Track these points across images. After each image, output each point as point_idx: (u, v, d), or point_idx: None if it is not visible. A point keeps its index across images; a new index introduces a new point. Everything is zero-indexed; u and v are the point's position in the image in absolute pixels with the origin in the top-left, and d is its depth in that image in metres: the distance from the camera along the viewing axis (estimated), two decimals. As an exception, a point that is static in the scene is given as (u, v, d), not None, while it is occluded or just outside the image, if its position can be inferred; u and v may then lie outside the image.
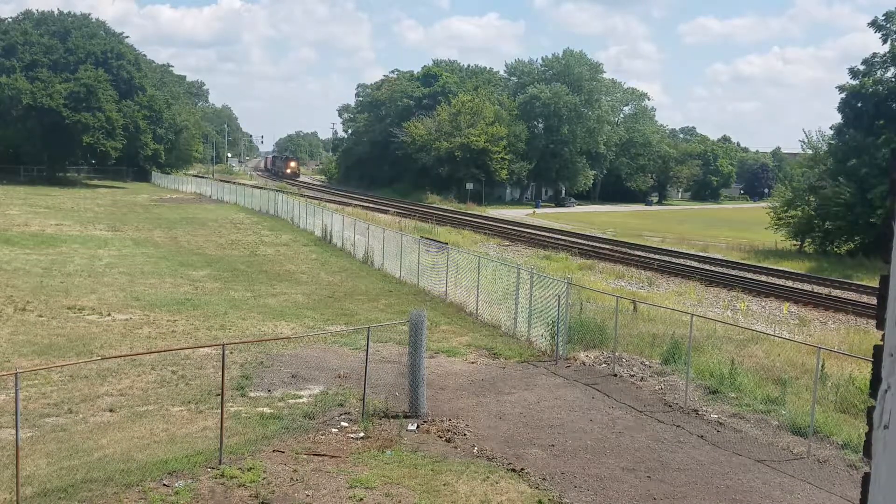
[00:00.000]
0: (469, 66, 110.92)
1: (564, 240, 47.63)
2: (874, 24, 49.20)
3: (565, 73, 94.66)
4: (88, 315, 20.40)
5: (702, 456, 12.46)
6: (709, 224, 74.15)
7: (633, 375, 16.88)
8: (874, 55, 49.92)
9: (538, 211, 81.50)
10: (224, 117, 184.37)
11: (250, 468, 10.99)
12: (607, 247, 45.54)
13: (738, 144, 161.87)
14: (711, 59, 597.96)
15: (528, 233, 51.52)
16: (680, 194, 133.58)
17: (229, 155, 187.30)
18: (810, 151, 54.46)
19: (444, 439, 12.67)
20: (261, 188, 75.24)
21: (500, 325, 21.14)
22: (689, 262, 40.34)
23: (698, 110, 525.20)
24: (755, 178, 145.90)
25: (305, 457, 11.61)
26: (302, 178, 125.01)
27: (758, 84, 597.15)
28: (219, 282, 26.68)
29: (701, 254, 44.91)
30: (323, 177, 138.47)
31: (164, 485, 10.41)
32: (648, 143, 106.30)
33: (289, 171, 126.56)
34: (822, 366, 14.71)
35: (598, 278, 33.22)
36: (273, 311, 22.19)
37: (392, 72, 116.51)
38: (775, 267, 40.45)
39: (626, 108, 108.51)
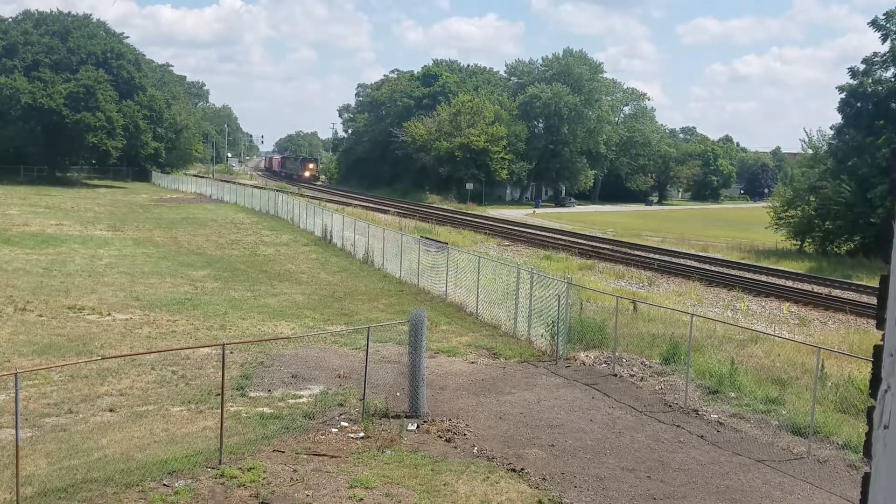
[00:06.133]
0: (469, 66, 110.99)
1: (564, 240, 47.62)
2: (874, 24, 49.18)
3: (565, 73, 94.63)
4: (88, 315, 20.40)
5: (702, 456, 12.46)
6: (709, 224, 74.16)
7: (633, 375, 16.88)
8: (874, 55, 49.91)
9: (538, 211, 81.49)
10: (224, 117, 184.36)
11: (250, 468, 10.99)
12: (607, 247, 45.52)
13: (738, 144, 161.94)
14: (710, 60, 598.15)
15: (528, 233, 51.52)
16: (680, 194, 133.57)
17: (229, 155, 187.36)
18: (810, 151, 54.45)
19: (444, 439, 12.66)
20: (261, 188, 75.27)
21: (500, 325, 21.14)
22: (689, 262, 40.33)
23: (698, 110, 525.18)
24: (755, 178, 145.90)
25: (305, 457, 11.61)
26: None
27: (757, 84, 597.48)
28: (219, 282, 26.68)
29: (701, 254, 44.90)
30: (323, 177, 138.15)
31: (164, 485, 10.41)
32: (648, 143, 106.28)
33: (307, 174, 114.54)
34: (822, 366, 14.71)
35: (598, 278, 33.22)
36: (273, 311, 22.19)
37: (392, 72, 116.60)
38: (775, 267, 40.45)
39: (626, 108, 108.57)
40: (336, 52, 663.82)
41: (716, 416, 14.46)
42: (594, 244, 46.58)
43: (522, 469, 11.52)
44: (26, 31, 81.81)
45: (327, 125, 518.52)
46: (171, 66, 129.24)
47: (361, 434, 12.66)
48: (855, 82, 49.80)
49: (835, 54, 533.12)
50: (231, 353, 15.38)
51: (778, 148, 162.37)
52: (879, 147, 45.48)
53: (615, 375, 16.84)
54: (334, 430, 12.85)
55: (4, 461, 10.77)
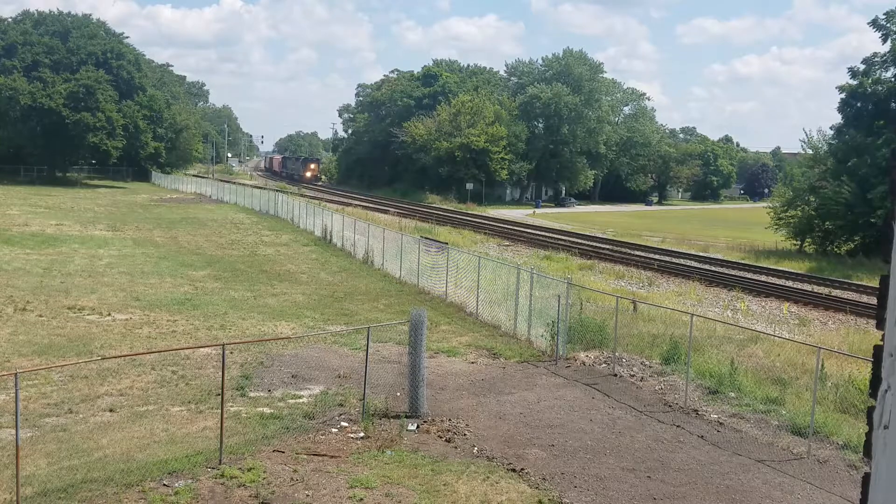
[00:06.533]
0: (469, 66, 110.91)
1: (564, 240, 47.63)
2: (874, 24, 49.15)
3: (565, 73, 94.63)
4: (88, 315, 20.40)
5: (702, 456, 12.46)
6: (709, 224, 74.16)
7: (633, 375, 16.88)
8: (874, 55, 49.89)
9: (538, 211, 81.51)
10: (224, 117, 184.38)
11: (250, 468, 10.99)
12: (607, 247, 45.54)
13: (738, 144, 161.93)
14: (710, 60, 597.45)
15: (528, 233, 51.53)
16: (680, 194, 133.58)
17: (229, 155, 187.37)
18: (810, 151, 54.47)
19: (444, 439, 12.67)
20: (261, 188, 75.29)
21: (500, 325, 21.14)
22: (689, 262, 40.34)
23: (697, 110, 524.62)
24: (755, 178, 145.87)
25: (305, 457, 11.61)
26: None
27: (756, 84, 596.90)
28: (219, 282, 26.69)
29: (701, 254, 44.91)
30: (324, 177, 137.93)
31: (164, 485, 10.41)
32: (648, 143, 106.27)
33: (309, 174, 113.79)
34: (822, 366, 14.71)
35: (598, 278, 33.23)
36: (273, 311, 22.19)
37: (392, 72, 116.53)
38: (775, 267, 40.45)
39: (625, 108, 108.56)
40: (336, 52, 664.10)
41: (716, 416, 14.46)
42: (594, 244, 46.59)
43: (522, 469, 11.52)
44: (25, 31, 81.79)
45: (327, 125, 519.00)
46: (171, 66, 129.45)
47: (361, 434, 12.66)
48: (855, 82, 49.79)
49: (834, 54, 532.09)
50: (231, 353, 15.38)
51: (778, 148, 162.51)
52: (879, 147, 45.47)
53: (615, 375, 16.84)
54: (334, 430, 12.85)
55: (4, 461, 10.77)
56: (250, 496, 10.20)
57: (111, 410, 13.19)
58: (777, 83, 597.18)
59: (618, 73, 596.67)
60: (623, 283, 32.57)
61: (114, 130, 79.06)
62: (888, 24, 48.68)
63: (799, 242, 51.57)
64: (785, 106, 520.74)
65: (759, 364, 17.94)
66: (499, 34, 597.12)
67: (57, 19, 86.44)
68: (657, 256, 42.06)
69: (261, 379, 15.45)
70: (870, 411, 1.59)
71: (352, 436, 12.61)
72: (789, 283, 35.05)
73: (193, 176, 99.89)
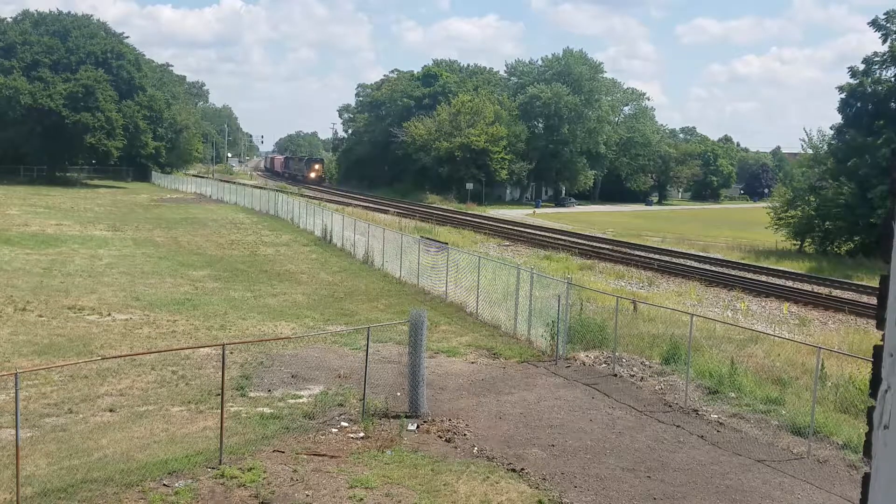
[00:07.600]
0: (469, 65, 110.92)
1: (564, 240, 47.63)
2: (874, 24, 49.21)
3: (565, 73, 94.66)
4: (88, 315, 20.40)
5: (702, 456, 12.46)
6: (709, 224, 74.14)
7: (633, 375, 16.87)
8: (874, 55, 49.93)
9: (538, 211, 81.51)
10: (224, 117, 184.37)
11: (250, 468, 10.99)
12: (607, 247, 45.54)
13: (738, 144, 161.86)
14: (710, 60, 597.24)
15: (528, 233, 51.52)
16: (680, 194, 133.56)
17: (229, 155, 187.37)
18: (810, 151, 54.49)
19: (444, 439, 12.66)
20: (261, 188, 75.30)
21: (500, 325, 21.13)
22: (689, 262, 40.34)
23: (697, 110, 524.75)
24: (755, 178, 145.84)
25: (305, 457, 11.61)
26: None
27: (756, 84, 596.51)
28: (219, 282, 26.68)
29: (701, 254, 44.91)
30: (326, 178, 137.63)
31: (164, 485, 10.41)
32: (648, 143, 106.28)
33: (313, 175, 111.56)
34: (822, 366, 14.71)
35: (598, 278, 33.22)
36: (273, 311, 22.19)
37: (392, 72, 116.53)
38: (775, 267, 40.46)
39: (625, 108, 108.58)
40: (336, 52, 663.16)
41: (716, 416, 14.45)
42: (594, 244, 46.59)
43: (522, 469, 11.52)
44: (24, 31, 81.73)
45: (327, 125, 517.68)
46: (171, 66, 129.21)
47: (361, 434, 12.66)
48: (855, 82, 49.80)
49: (834, 54, 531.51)
50: (231, 353, 15.38)
51: (778, 148, 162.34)
52: (879, 147, 45.49)
53: (615, 375, 16.84)
54: (334, 430, 12.85)
55: (4, 461, 10.77)
56: (250, 496, 10.20)
57: (111, 410, 13.19)
58: (777, 83, 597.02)
59: (618, 73, 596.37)
60: (623, 283, 32.57)
61: (114, 130, 79.05)
62: (888, 24, 48.71)
63: (799, 242, 51.58)
64: (785, 106, 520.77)
65: (759, 364, 17.94)
66: (499, 34, 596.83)
67: (57, 19, 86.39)
68: (657, 256, 42.07)
69: (261, 379, 15.45)
70: (870, 411, 1.59)
71: (352, 436, 12.61)
72: (789, 283, 35.05)
73: (193, 176, 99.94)
